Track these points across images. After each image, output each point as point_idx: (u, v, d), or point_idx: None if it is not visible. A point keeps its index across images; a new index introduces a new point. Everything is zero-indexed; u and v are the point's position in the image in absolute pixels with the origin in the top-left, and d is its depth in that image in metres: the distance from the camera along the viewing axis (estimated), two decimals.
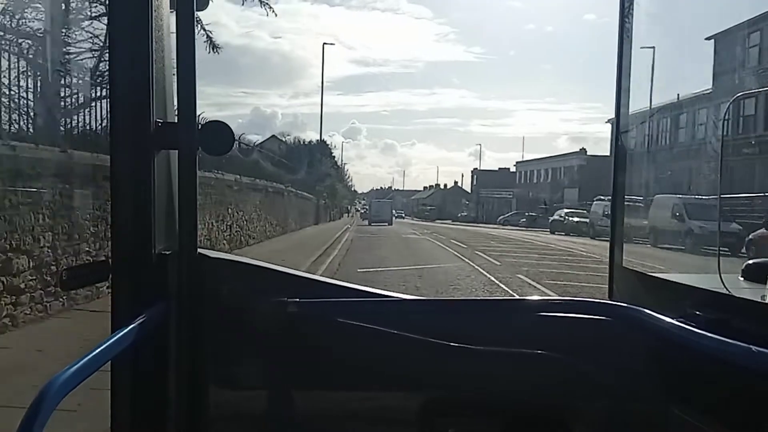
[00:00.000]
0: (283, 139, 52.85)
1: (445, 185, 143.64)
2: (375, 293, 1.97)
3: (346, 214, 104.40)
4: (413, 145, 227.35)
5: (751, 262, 2.04)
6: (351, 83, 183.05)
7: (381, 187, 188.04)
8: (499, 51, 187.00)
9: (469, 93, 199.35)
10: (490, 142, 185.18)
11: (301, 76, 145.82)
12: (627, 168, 2.35)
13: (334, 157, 61.86)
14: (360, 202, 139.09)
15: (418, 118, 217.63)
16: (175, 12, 1.75)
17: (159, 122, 1.73)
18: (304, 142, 56.57)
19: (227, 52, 29.43)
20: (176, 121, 1.78)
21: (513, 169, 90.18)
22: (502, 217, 71.02)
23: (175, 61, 1.78)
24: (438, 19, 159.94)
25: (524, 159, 79.32)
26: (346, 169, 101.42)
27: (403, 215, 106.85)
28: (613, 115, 2.29)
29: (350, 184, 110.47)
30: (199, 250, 1.77)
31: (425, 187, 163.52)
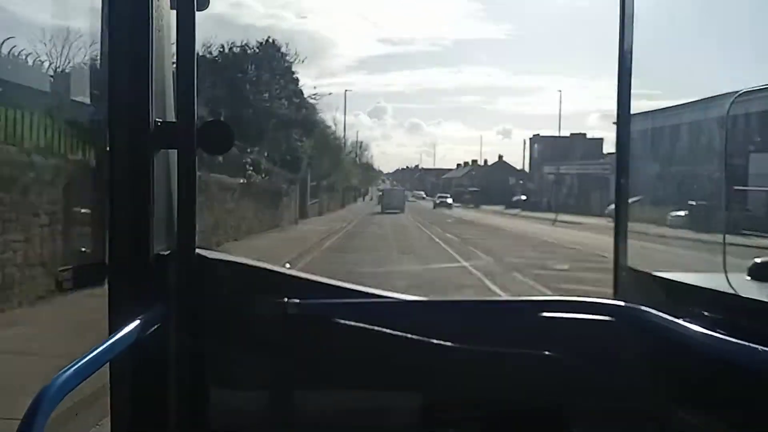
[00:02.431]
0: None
1: (486, 161, 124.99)
2: (375, 294, 1.93)
3: (361, 199, 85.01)
4: (439, 123, 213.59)
5: (758, 260, 2.00)
6: (377, 62, 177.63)
7: (407, 167, 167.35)
8: (528, 27, 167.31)
9: (497, 70, 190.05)
10: (519, 120, 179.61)
11: (326, 55, 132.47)
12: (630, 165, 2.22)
13: (296, 81, 32.36)
14: (385, 182, 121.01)
15: (444, 97, 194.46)
16: (175, 11, 1.70)
17: (158, 121, 1.72)
18: (231, 48, 28.33)
19: (253, 34, 28.72)
20: (175, 120, 1.73)
21: (595, 134, 41.33)
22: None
23: (174, 60, 1.72)
24: None
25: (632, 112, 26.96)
26: (357, 141, 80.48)
27: (448, 200, 74.67)
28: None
29: (367, 160, 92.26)
30: (197, 250, 1.74)
31: (459, 165, 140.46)
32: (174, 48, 1.65)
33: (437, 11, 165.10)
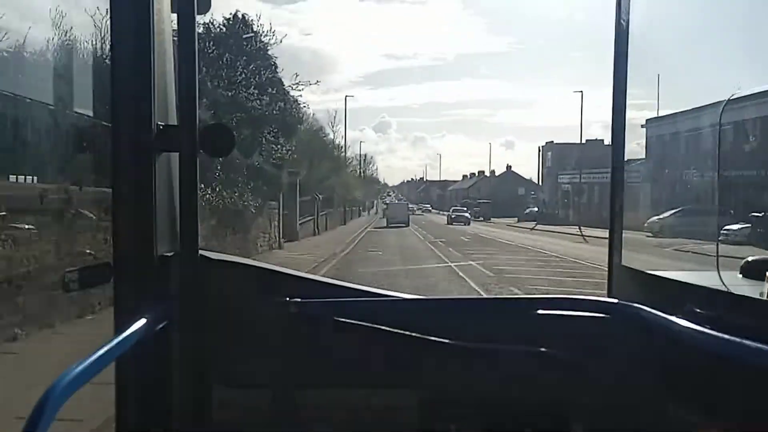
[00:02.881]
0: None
1: (493, 171, 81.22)
2: (375, 293, 1.97)
3: (366, 213, 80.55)
4: (443, 136, 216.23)
5: (750, 259, 2.03)
6: (381, 77, 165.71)
7: (412, 179, 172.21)
8: (528, 40, 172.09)
9: (499, 83, 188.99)
10: (521, 132, 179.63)
11: (331, 71, 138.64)
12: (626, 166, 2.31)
13: (273, 67, 22.20)
14: (390, 194, 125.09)
15: (447, 110, 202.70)
16: (176, 16, 1.73)
17: (160, 125, 1.76)
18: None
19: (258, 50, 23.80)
20: (177, 124, 1.78)
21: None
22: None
23: (176, 64, 1.80)
24: (467, 10, 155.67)
25: (661, 114, 19.47)
26: (360, 153, 79.43)
27: (465, 214, 64.75)
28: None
29: (371, 172, 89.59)
30: (200, 251, 1.78)
31: (465, 176, 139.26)
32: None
33: (439, 26, 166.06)
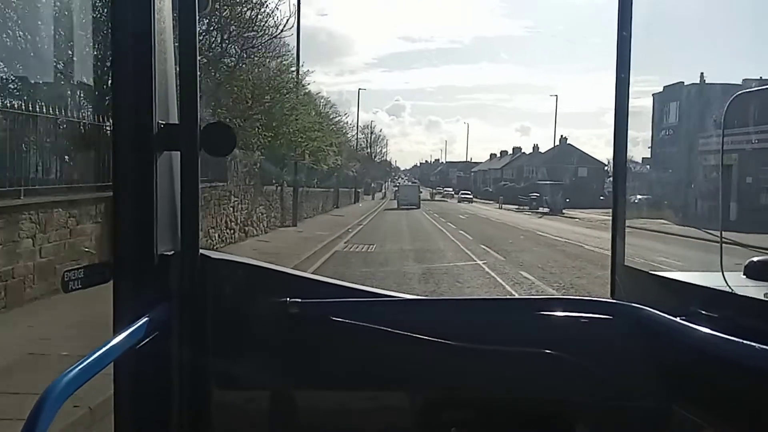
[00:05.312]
0: None
1: (536, 146, 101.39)
2: (376, 293, 1.93)
3: (369, 197, 72.32)
4: (457, 121, 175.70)
5: (755, 259, 1.97)
6: (396, 60, 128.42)
7: (426, 161, 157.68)
8: (547, 25, 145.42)
9: (517, 68, 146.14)
10: (538, 118, 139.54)
11: (346, 53, 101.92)
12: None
13: None
14: (402, 178, 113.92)
15: (463, 94, 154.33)
16: (177, 13, 1.76)
17: (161, 124, 1.76)
18: None
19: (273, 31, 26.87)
20: (178, 122, 1.77)
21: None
22: None
23: (177, 62, 1.79)
24: None
25: None
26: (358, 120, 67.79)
27: None
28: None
29: (381, 148, 79.29)
30: (201, 251, 1.79)
31: (493, 155, 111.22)
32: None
33: (456, 8, 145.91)
